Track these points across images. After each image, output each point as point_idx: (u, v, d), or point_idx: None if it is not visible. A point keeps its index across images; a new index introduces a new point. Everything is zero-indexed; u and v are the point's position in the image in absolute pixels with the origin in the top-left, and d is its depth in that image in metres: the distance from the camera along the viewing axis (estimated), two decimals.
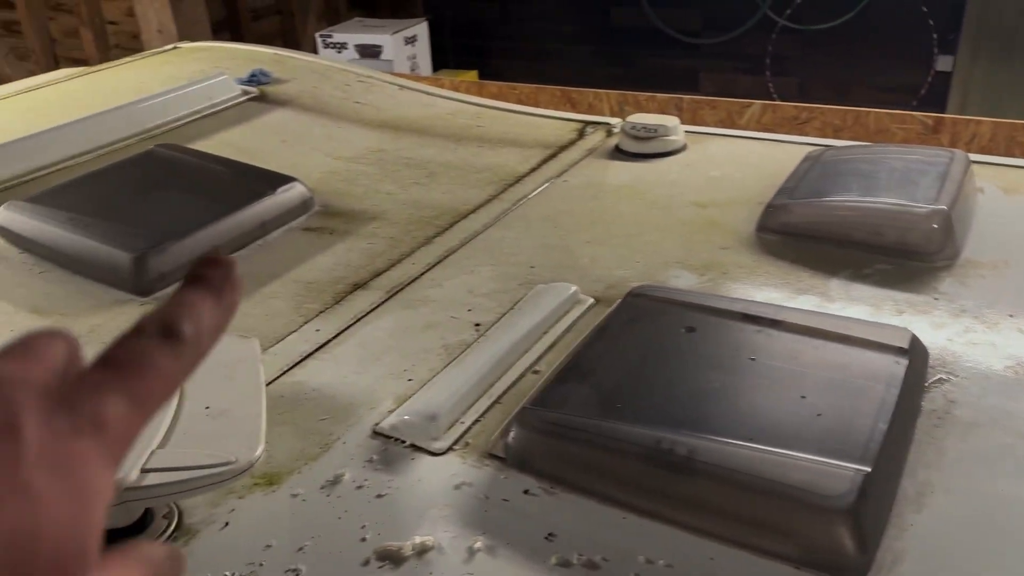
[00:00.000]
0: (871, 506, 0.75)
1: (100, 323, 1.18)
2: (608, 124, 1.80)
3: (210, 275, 0.41)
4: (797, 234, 1.28)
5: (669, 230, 1.37)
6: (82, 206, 1.40)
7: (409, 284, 1.27)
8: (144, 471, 0.75)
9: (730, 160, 1.61)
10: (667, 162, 1.62)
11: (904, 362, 0.91)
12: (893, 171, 1.33)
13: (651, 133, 1.62)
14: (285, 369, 1.07)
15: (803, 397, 0.86)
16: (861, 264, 1.21)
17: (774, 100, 2.43)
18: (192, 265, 0.41)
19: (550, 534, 0.79)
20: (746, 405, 0.87)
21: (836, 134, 2.17)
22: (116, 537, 0.80)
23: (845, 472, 0.75)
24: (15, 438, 0.32)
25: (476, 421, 0.95)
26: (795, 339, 0.96)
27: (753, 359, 0.93)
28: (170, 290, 1.25)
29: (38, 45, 4.19)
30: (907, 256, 1.21)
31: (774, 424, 0.83)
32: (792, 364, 0.92)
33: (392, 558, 0.77)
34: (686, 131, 1.69)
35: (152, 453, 0.77)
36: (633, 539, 0.78)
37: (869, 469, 0.75)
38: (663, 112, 2.02)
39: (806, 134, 2.09)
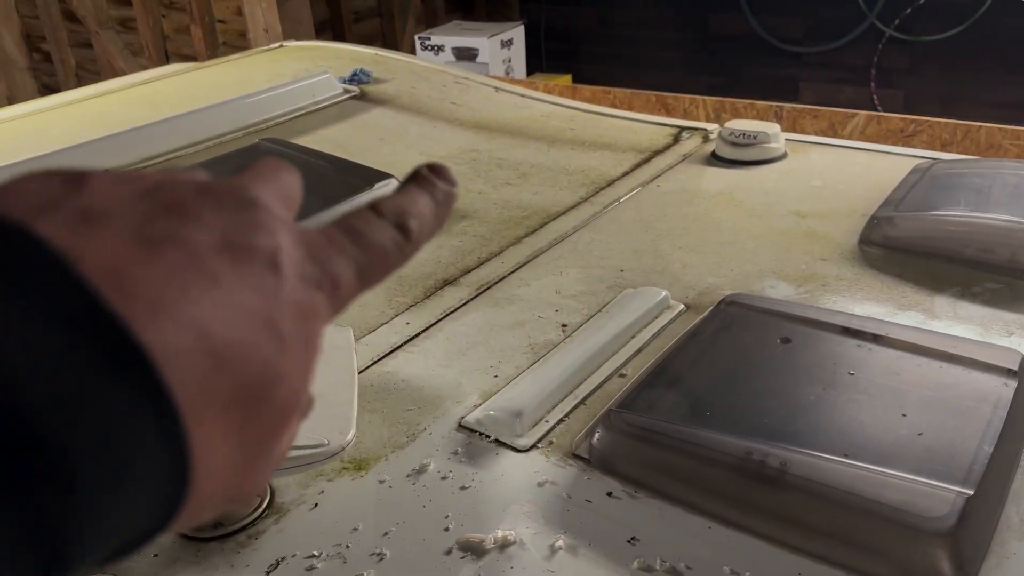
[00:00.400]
0: (972, 531, 0.71)
1: None
2: (705, 129, 1.78)
3: (436, 183, 0.42)
4: (902, 248, 1.23)
5: (765, 239, 1.33)
6: None
7: (497, 282, 1.27)
8: None
9: (832, 170, 1.56)
10: (765, 170, 1.58)
11: (1013, 384, 0.86)
12: (1007, 187, 1.27)
13: (750, 140, 1.59)
14: (376, 359, 1.09)
15: (904, 415, 0.83)
16: (969, 282, 1.16)
17: (879, 112, 2.35)
18: (420, 167, 0.42)
19: (633, 538, 0.78)
20: (843, 420, 0.84)
21: (944, 148, 2.09)
22: None
23: (946, 494, 0.72)
24: (276, 275, 0.31)
25: (560, 421, 0.95)
26: (897, 355, 0.92)
27: (852, 374, 0.90)
28: None
29: (151, 41, 4.40)
30: (1019, 276, 1.15)
31: (872, 441, 0.80)
32: (893, 381, 0.88)
33: (474, 549, 0.78)
34: (786, 139, 1.65)
35: None
36: (718, 549, 0.76)
37: (971, 492, 0.72)
38: (762, 120, 1.98)
39: (913, 147, 2.02)
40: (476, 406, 0.98)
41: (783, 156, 1.62)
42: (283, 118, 1.93)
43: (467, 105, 2.05)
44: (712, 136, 1.73)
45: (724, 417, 0.86)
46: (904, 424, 0.82)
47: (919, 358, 0.91)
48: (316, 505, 0.85)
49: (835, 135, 2.19)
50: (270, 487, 0.87)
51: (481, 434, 0.94)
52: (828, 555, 0.73)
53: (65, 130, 1.82)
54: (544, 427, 0.94)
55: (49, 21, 4.76)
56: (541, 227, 1.44)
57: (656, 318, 1.13)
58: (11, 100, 4.65)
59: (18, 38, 4.92)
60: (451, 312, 1.20)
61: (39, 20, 4.81)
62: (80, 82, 4.62)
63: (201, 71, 2.35)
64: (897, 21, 4.33)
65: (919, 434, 0.80)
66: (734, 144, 1.61)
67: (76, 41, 4.79)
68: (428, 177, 0.42)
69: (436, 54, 4.72)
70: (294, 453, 0.78)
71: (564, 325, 1.14)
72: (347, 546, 0.79)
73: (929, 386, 0.87)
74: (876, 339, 0.95)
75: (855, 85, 4.59)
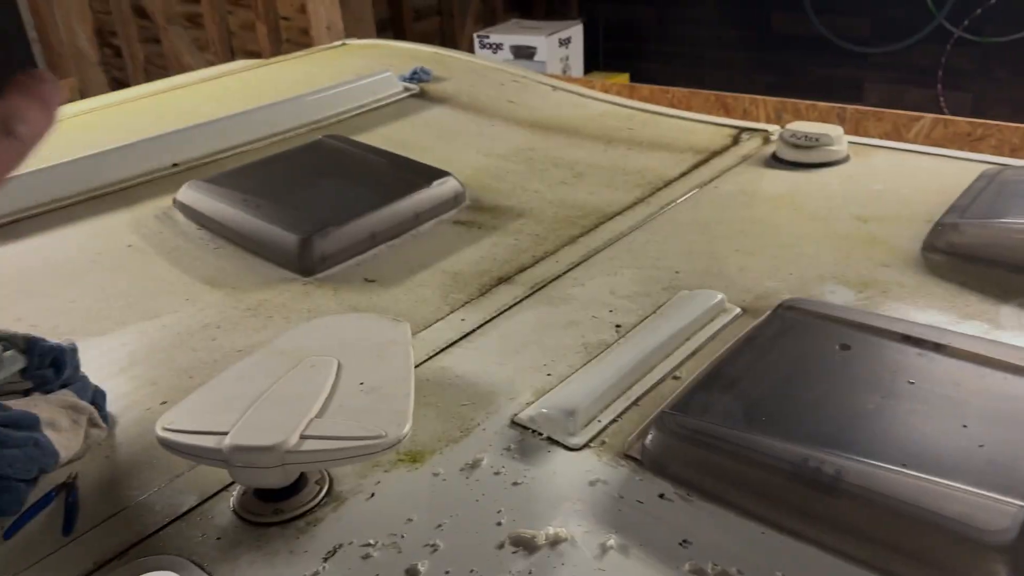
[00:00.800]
0: None
1: (266, 299, 1.27)
2: (765, 131, 1.76)
3: (39, 88, 0.48)
4: (967, 256, 1.20)
5: (826, 243, 1.32)
6: (254, 189, 1.50)
7: (552, 281, 1.28)
8: (303, 437, 0.80)
9: (896, 174, 1.53)
10: (827, 173, 1.56)
11: None
12: None
13: (812, 142, 1.57)
14: (432, 354, 1.11)
15: (964, 426, 0.81)
16: None
17: (945, 115, 2.29)
18: (21, 76, 0.48)
19: (684, 540, 0.79)
20: (901, 429, 0.83)
21: (1013, 153, 2.03)
22: (273, 498, 0.86)
23: (1007, 508, 0.71)
24: None
25: (613, 421, 0.96)
26: (959, 365, 0.91)
27: (912, 383, 0.89)
28: (332, 271, 1.34)
29: (217, 37, 4.51)
30: None
31: (931, 451, 0.79)
32: (954, 391, 0.87)
33: (526, 545, 0.79)
34: (849, 142, 1.63)
35: (311, 421, 0.82)
36: (771, 555, 0.76)
37: None
38: (824, 122, 1.95)
39: (980, 152, 1.96)
40: (529, 403, 0.99)
41: (845, 159, 1.59)
42: (345, 115, 1.97)
43: (524, 103, 2.06)
44: (773, 138, 1.72)
45: (779, 423, 0.85)
46: (965, 435, 0.80)
47: (982, 368, 0.89)
48: (372, 495, 0.87)
49: (899, 138, 2.14)
50: (328, 475, 0.89)
51: (534, 431, 0.95)
52: (882, 565, 0.73)
53: (135, 125, 1.89)
54: (596, 426, 0.95)
55: (120, 17, 4.91)
56: (596, 227, 1.45)
57: (712, 321, 1.12)
58: (83, 94, 4.81)
59: (91, 34, 5.08)
60: (505, 310, 1.21)
61: (111, 16, 4.96)
62: (148, 77, 4.75)
63: (266, 68, 2.41)
64: (966, 21, 4.21)
65: (980, 446, 0.79)
66: (795, 146, 1.59)
67: (145, 36, 4.93)
68: (29, 84, 0.47)
69: (494, 52, 4.74)
70: (352, 443, 0.80)
71: (618, 326, 1.15)
72: (402, 536, 0.81)
73: (992, 397, 0.85)
74: (938, 348, 0.93)
75: (921, 87, 4.47)
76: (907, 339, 0.95)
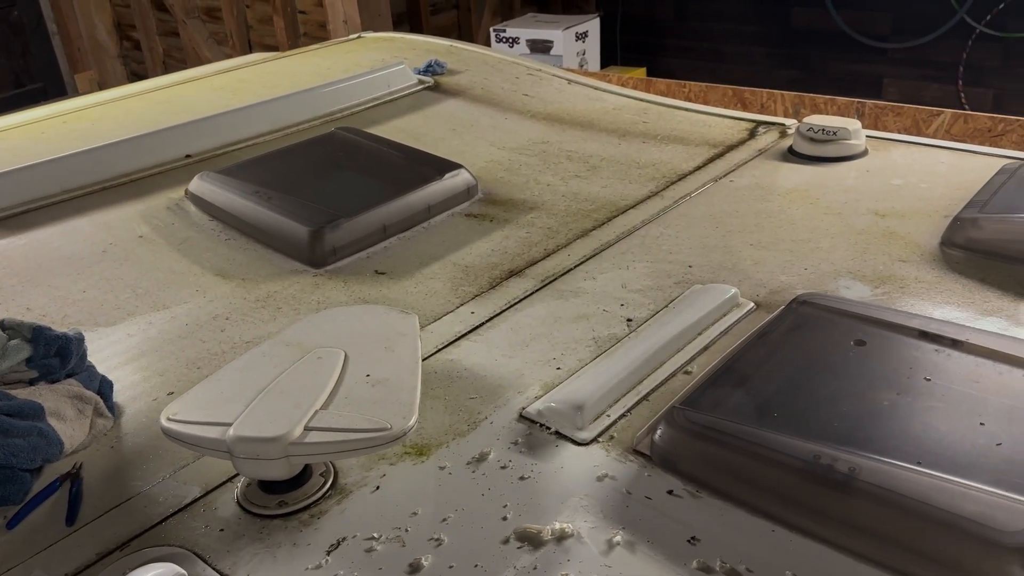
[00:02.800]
0: None
1: (277, 289, 1.26)
2: (782, 125, 1.73)
3: None
4: (986, 251, 1.18)
5: (842, 238, 1.30)
6: (267, 181, 1.50)
7: (563, 275, 1.27)
8: (307, 429, 0.80)
9: (915, 168, 1.51)
10: (845, 167, 1.53)
11: None
12: None
13: (829, 136, 1.54)
14: (440, 347, 1.10)
15: (982, 424, 0.79)
16: None
17: (966, 110, 2.25)
18: None
19: (693, 537, 0.77)
20: (917, 427, 0.81)
21: None
22: (277, 490, 0.85)
23: None
24: None
25: (622, 416, 0.94)
26: (977, 362, 0.89)
27: (928, 379, 0.87)
28: (343, 263, 1.33)
29: (235, 30, 4.51)
30: None
31: (947, 449, 0.77)
32: (972, 388, 0.85)
33: (531, 540, 0.78)
34: (868, 136, 1.60)
35: (316, 413, 0.81)
36: (781, 553, 0.75)
37: None
38: (842, 116, 1.92)
39: (1001, 147, 1.93)
40: (538, 397, 0.98)
41: (863, 153, 1.57)
42: (359, 107, 1.96)
43: (539, 97, 2.04)
44: (790, 131, 1.69)
45: (792, 419, 0.84)
46: (982, 433, 0.78)
47: (1000, 365, 0.87)
48: (378, 488, 0.86)
49: (919, 133, 2.11)
50: (333, 467, 0.88)
51: (542, 425, 0.94)
52: (896, 565, 0.71)
53: (150, 116, 1.89)
54: (605, 421, 0.93)
55: (139, 10, 4.93)
56: (609, 220, 1.43)
57: (724, 315, 1.11)
58: (102, 86, 4.83)
59: (110, 27, 5.11)
60: (516, 303, 1.20)
61: (130, 9, 4.98)
62: (167, 69, 4.77)
63: (282, 60, 2.40)
64: (989, 17, 4.14)
65: (998, 444, 0.77)
66: (813, 140, 1.56)
67: (164, 30, 4.95)
68: None
69: (511, 46, 4.72)
70: (358, 435, 0.79)
71: (629, 320, 1.13)
72: (406, 530, 0.80)
73: (1010, 395, 0.83)
74: (955, 344, 0.91)
75: (942, 83, 4.41)
76: (924, 335, 0.93)
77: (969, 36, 4.30)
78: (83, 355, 1.00)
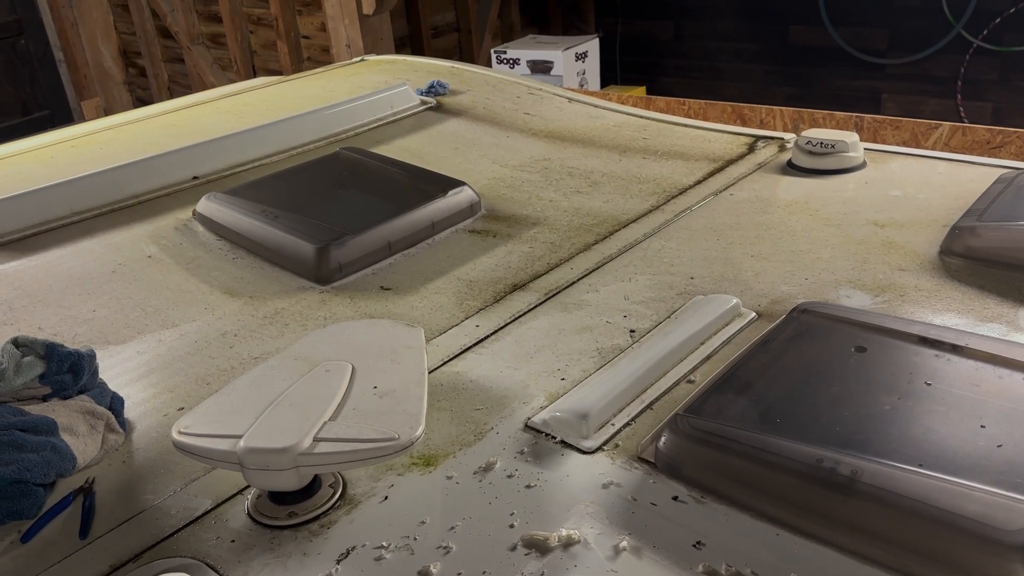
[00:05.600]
0: None
1: (284, 307, 1.28)
2: (781, 139, 1.75)
3: None
4: (985, 259, 1.19)
5: (842, 248, 1.31)
6: (273, 200, 1.52)
7: (566, 288, 1.28)
8: (316, 439, 0.81)
9: (913, 180, 1.52)
10: (843, 179, 1.55)
11: None
12: None
13: (828, 148, 1.56)
14: (446, 360, 1.11)
15: (982, 426, 0.80)
16: None
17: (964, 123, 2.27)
18: None
19: (698, 542, 0.78)
20: (918, 430, 0.82)
21: None
22: (287, 501, 0.86)
23: None
24: None
25: (627, 424, 0.95)
26: (977, 367, 0.90)
27: (929, 384, 0.88)
28: (349, 279, 1.35)
29: (239, 56, 4.57)
30: None
31: (948, 452, 0.78)
32: (972, 392, 0.86)
33: (538, 547, 0.79)
34: (866, 148, 1.62)
35: (324, 424, 0.83)
36: (786, 556, 0.75)
37: None
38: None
39: (999, 159, 1.95)
40: (543, 407, 0.99)
41: (862, 165, 1.58)
42: (363, 128, 1.99)
43: (540, 115, 2.07)
44: (788, 145, 1.71)
45: (794, 424, 0.85)
46: (983, 435, 0.79)
47: (1000, 369, 0.88)
48: (386, 498, 0.87)
49: (917, 147, 2.13)
50: (342, 478, 0.89)
51: (547, 435, 0.95)
52: (899, 565, 0.72)
53: (157, 139, 1.91)
54: (610, 430, 0.94)
55: (144, 37, 5.00)
56: (611, 234, 1.45)
57: (726, 325, 1.12)
58: (108, 112, 4.89)
59: (116, 54, 5.18)
60: (520, 316, 1.21)
61: (135, 36, 5.05)
62: (172, 95, 4.83)
63: (286, 84, 2.44)
64: (986, 31, 4.18)
65: (998, 446, 0.78)
66: (811, 153, 1.58)
67: (169, 56, 5.01)
68: None
69: (512, 67, 4.76)
70: (365, 446, 0.80)
71: (632, 331, 1.15)
72: (415, 538, 0.81)
73: (1010, 398, 0.84)
74: (955, 350, 0.92)
75: (940, 97, 4.44)
76: (924, 341, 0.94)
77: (967, 50, 4.33)
78: (95, 372, 1.01)
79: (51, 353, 0.96)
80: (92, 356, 1.01)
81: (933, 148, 2.12)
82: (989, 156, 1.99)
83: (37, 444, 0.88)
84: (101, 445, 0.95)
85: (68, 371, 0.97)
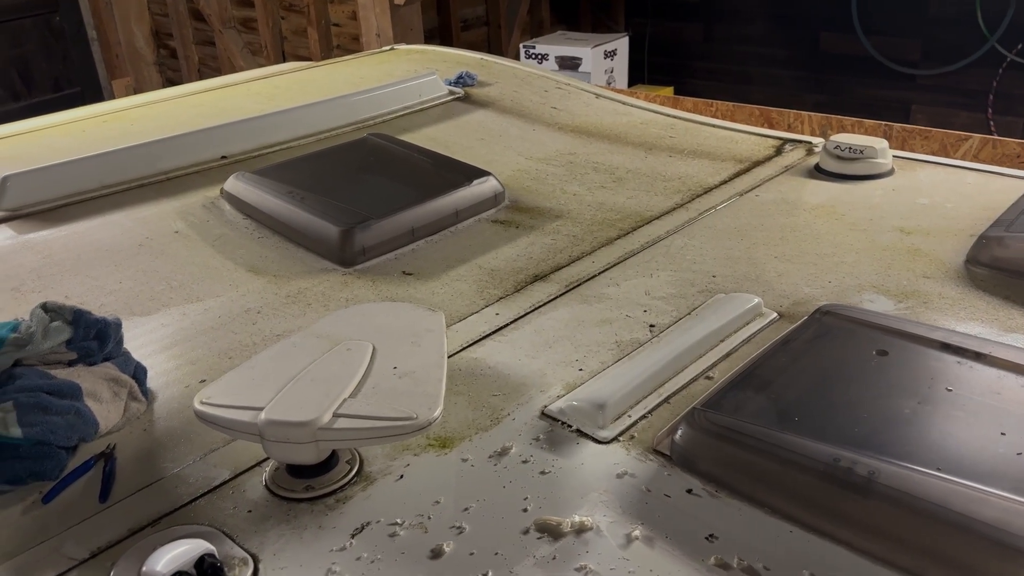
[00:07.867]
0: None
1: (307, 287, 1.29)
2: (809, 143, 1.74)
3: None
4: (1012, 270, 1.18)
5: (867, 253, 1.30)
6: (300, 182, 1.53)
7: (587, 280, 1.29)
8: (336, 415, 0.82)
9: (941, 188, 1.51)
10: (871, 185, 1.54)
11: None
12: None
13: (856, 154, 1.55)
14: (465, 345, 1.12)
15: (1003, 434, 0.80)
16: None
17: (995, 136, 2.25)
18: None
19: (711, 535, 0.78)
20: (937, 435, 0.82)
21: None
22: (304, 474, 0.87)
23: None
24: None
25: (643, 416, 0.96)
26: (999, 375, 0.89)
27: (950, 390, 0.87)
28: (372, 263, 1.35)
29: (269, 41, 4.60)
30: None
31: (967, 457, 0.78)
32: (993, 399, 0.85)
33: (551, 532, 0.79)
34: (894, 156, 1.61)
35: (344, 401, 0.83)
36: (799, 553, 0.75)
37: None
38: None
39: None
40: (560, 396, 1.00)
41: (890, 172, 1.58)
42: (390, 115, 2.00)
43: (567, 110, 2.07)
44: (816, 149, 1.70)
45: (812, 423, 0.85)
46: (1003, 443, 0.79)
47: (1022, 378, 0.88)
48: (402, 477, 0.88)
49: (947, 157, 2.11)
50: (359, 455, 0.90)
51: (563, 423, 0.95)
52: (913, 568, 0.71)
53: (187, 118, 1.93)
54: (626, 421, 0.95)
55: (177, 19, 5.04)
56: (634, 230, 1.45)
57: (747, 324, 1.12)
58: (138, 92, 4.93)
59: (148, 35, 5.22)
60: (540, 306, 1.22)
61: (168, 18, 5.09)
62: (201, 78, 4.86)
63: (316, 69, 2.45)
64: (1020, 45, 4.13)
65: (1018, 454, 0.77)
66: (839, 158, 1.58)
67: (200, 39, 5.05)
68: None
69: (540, 63, 4.76)
70: (384, 423, 0.81)
71: (652, 325, 1.15)
72: (428, 517, 0.82)
73: None
74: (978, 357, 0.92)
75: (971, 110, 4.39)
76: (946, 347, 0.94)
77: (1000, 64, 4.29)
78: (120, 340, 1.03)
79: (78, 319, 0.98)
80: (118, 325, 1.03)
81: (963, 159, 2.10)
82: (1019, 169, 1.97)
83: (62, 407, 0.90)
84: (123, 412, 0.97)
85: (94, 338, 0.98)
